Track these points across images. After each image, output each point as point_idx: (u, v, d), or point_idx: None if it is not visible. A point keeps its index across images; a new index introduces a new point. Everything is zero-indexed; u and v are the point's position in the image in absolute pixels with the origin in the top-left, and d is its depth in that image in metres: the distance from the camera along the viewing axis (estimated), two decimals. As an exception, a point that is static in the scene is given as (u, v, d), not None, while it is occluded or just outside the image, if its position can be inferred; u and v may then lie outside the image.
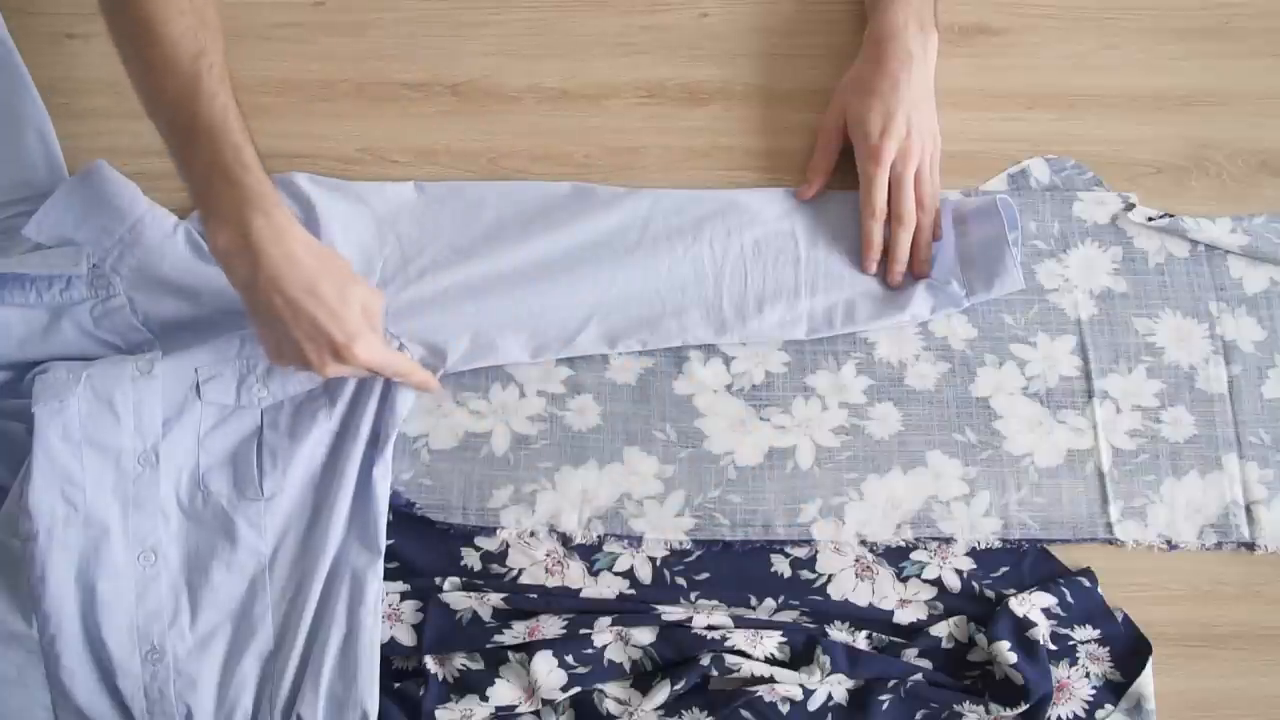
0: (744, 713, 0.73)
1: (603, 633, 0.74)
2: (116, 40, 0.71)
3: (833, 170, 0.85)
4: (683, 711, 0.73)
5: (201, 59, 0.68)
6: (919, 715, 0.74)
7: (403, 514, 0.78)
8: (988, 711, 0.74)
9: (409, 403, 0.79)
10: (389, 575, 0.76)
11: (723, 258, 0.83)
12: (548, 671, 0.72)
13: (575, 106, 0.89)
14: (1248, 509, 0.80)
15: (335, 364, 0.71)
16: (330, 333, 0.69)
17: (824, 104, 0.87)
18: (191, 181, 0.70)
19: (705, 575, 0.78)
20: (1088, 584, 0.78)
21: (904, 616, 0.77)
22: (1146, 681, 0.75)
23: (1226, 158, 0.89)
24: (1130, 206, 0.86)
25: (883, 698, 0.73)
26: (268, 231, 0.67)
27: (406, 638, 0.75)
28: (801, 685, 0.73)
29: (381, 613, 0.75)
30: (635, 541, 0.79)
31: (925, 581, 0.78)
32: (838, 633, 0.76)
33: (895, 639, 0.76)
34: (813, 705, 0.74)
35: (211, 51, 0.69)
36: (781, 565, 0.79)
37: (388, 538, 0.76)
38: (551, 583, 0.77)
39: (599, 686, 0.74)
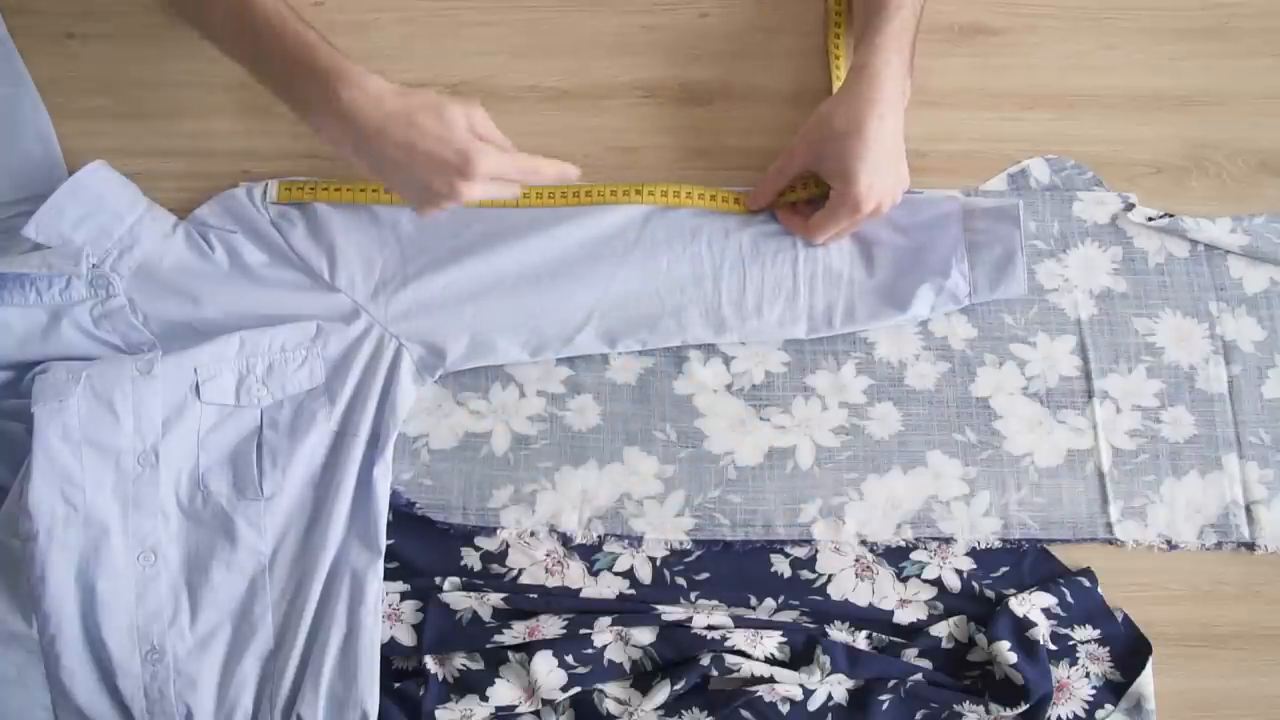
0: (744, 713, 0.73)
1: (603, 633, 0.74)
2: None
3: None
4: (683, 711, 0.73)
5: None
6: (919, 715, 0.74)
7: (403, 514, 0.78)
8: (988, 711, 0.74)
9: (409, 403, 0.80)
10: (389, 575, 0.76)
11: (721, 257, 0.83)
12: (548, 671, 0.72)
13: (575, 106, 0.89)
14: (1248, 509, 0.80)
15: (467, 184, 0.72)
16: (445, 156, 0.71)
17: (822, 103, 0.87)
18: (277, 89, 0.74)
19: (705, 575, 0.78)
20: (1088, 584, 0.78)
21: (904, 616, 0.77)
22: (1146, 681, 0.75)
23: (1226, 158, 0.89)
24: (1130, 206, 0.86)
25: (883, 698, 0.73)
26: (356, 97, 0.70)
27: (406, 638, 0.75)
28: (801, 685, 0.73)
29: (381, 613, 0.74)
30: (635, 541, 0.79)
31: (925, 581, 0.78)
32: (838, 633, 0.76)
33: (895, 639, 0.76)
34: (813, 705, 0.74)
35: None
36: (781, 565, 0.79)
37: (388, 538, 0.76)
38: (551, 583, 0.77)
39: (599, 686, 0.74)
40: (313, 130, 0.73)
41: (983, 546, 0.79)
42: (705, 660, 0.73)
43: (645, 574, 0.78)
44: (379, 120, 0.70)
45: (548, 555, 0.78)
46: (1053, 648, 0.76)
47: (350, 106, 0.70)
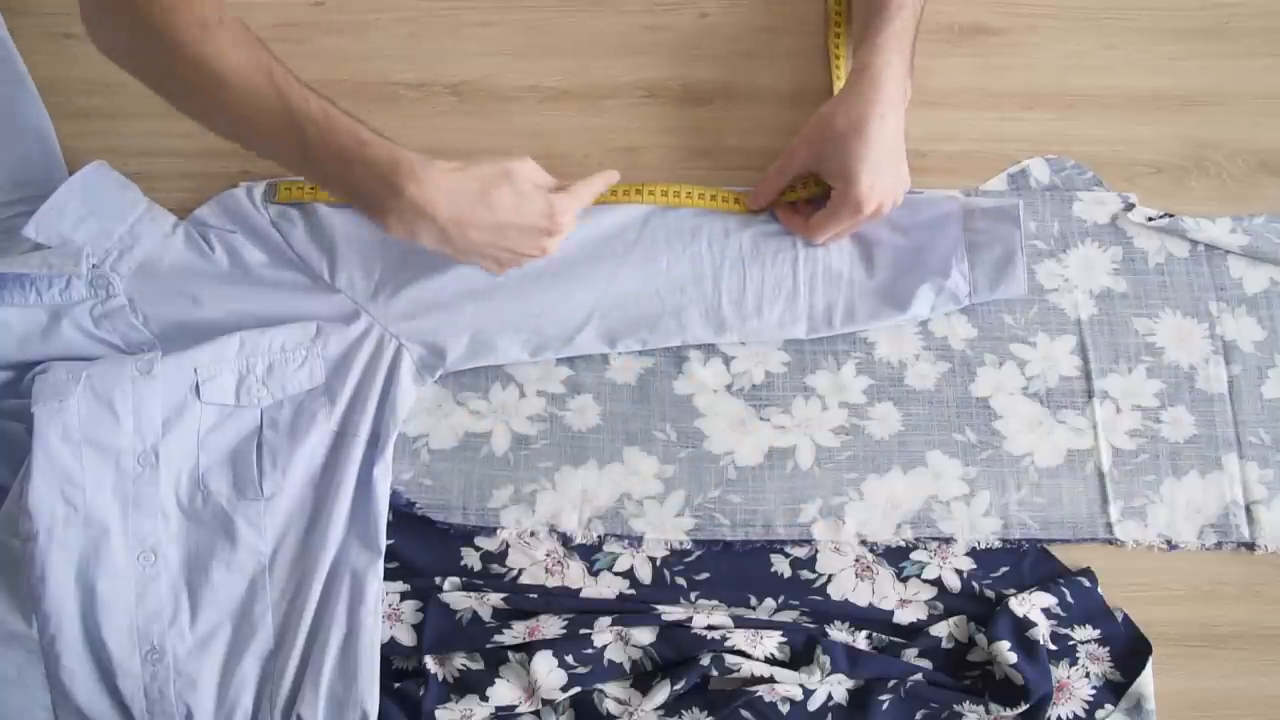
0: (744, 713, 0.73)
1: (603, 633, 0.74)
2: (188, 106, 0.70)
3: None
4: (683, 711, 0.73)
5: (272, 72, 0.68)
6: (919, 715, 0.74)
7: (403, 514, 0.78)
8: (988, 711, 0.74)
9: (409, 403, 0.80)
10: (389, 575, 0.76)
11: (721, 257, 0.83)
12: (548, 671, 0.72)
13: (575, 106, 0.89)
14: (1248, 509, 0.80)
15: (554, 240, 0.74)
16: (532, 223, 0.73)
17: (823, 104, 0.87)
18: (333, 187, 0.71)
19: (705, 575, 0.78)
20: (1088, 584, 0.78)
21: (904, 616, 0.77)
22: (1146, 681, 0.75)
23: (1226, 158, 0.89)
24: (1130, 206, 0.86)
25: (883, 698, 0.73)
26: (422, 190, 0.69)
27: (406, 638, 0.75)
28: (801, 685, 0.73)
29: (381, 613, 0.74)
30: (635, 541, 0.79)
31: (925, 581, 0.78)
32: (838, 633, 0.76)
33: (895, 639, 0.76)
34: (813, 705, 0.74)
35: (274, 64, 0.68)
36: (781, 565, 0.79)
37: (388, 538, 0.76)
38: (551, 583, 0.77)
39: (599, 686, 0.74)
40: (382, 228, 0.71)
41: (983, 546, 0.79)
42: (705, 660, 0.73)
43: (645, 574, 0.78)
44: (453, 210, 0.70)
45: (548, 555, 0.78)
46: (1053, 648, 0.76)
47: (419, 202, 0.69)
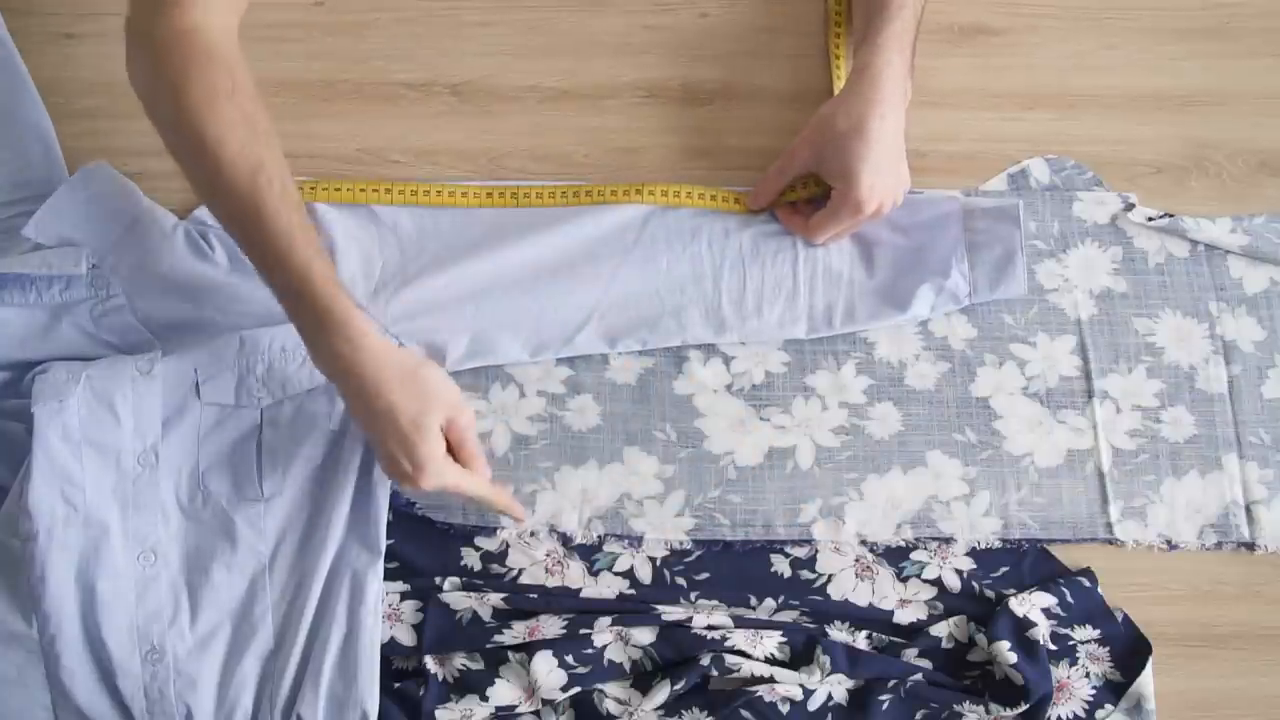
0: (744, 713, 0.73)
1: (603, 633, 0.74)
2: (175, 155, 0.70)
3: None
4: (683, 711, 0.73)
5: (260, 175, 0.67)
6: (919, 715, 0.74)
7: (403, 514, 0.78)
8: (988, 711, 0.74)
9: None
10: (389, 575, 0.76)
11: (721, 257, 0.83)
12: (548, 671, 0.72)
13: (575, 106, 0.89)
14: (1248, 509, 0.80)
15: (416, 486, 0.70)
16: (400, 461, 0.70)
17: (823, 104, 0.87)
18: (275, 296, 0.70)
19: (705, 575, 0.78)
20: (1088, 584, 0.78)
21: (904, 616, 0.77)
22: (1146, 681, 0.75)
23: (1226, 158, 0.89)
24: (1130, 206, 0.86)
25: (883, 698, 0.73)
26: (351, 357, 0.68)
27: (406, 638, 0.75)
28: (801, 685, 0.73)
29: (382, 613, 0.74)
30: (635, 541, 0.79)
31: (925, 581, 0.78)
32: (838, 633, 0.76)
33: (895, 639, 0.76)
34: (813, 705, 0.74)
35: (269, 164, 0.67)
36: (781, 565, 0.79)
37: (388, 537, 0.76)
38: (551, 583, 0.77)
39: (599, 686, 0.74)
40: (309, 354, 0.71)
41: (983, 546, 0.79)
42: (705, 660, 0.73)
43: (645, 574, 0.78)
44: (364, 391, 0.69)
45: (548, 555, 0.78)
46: (1053, 648, 0.76)
47: (344, 364, 0.68)
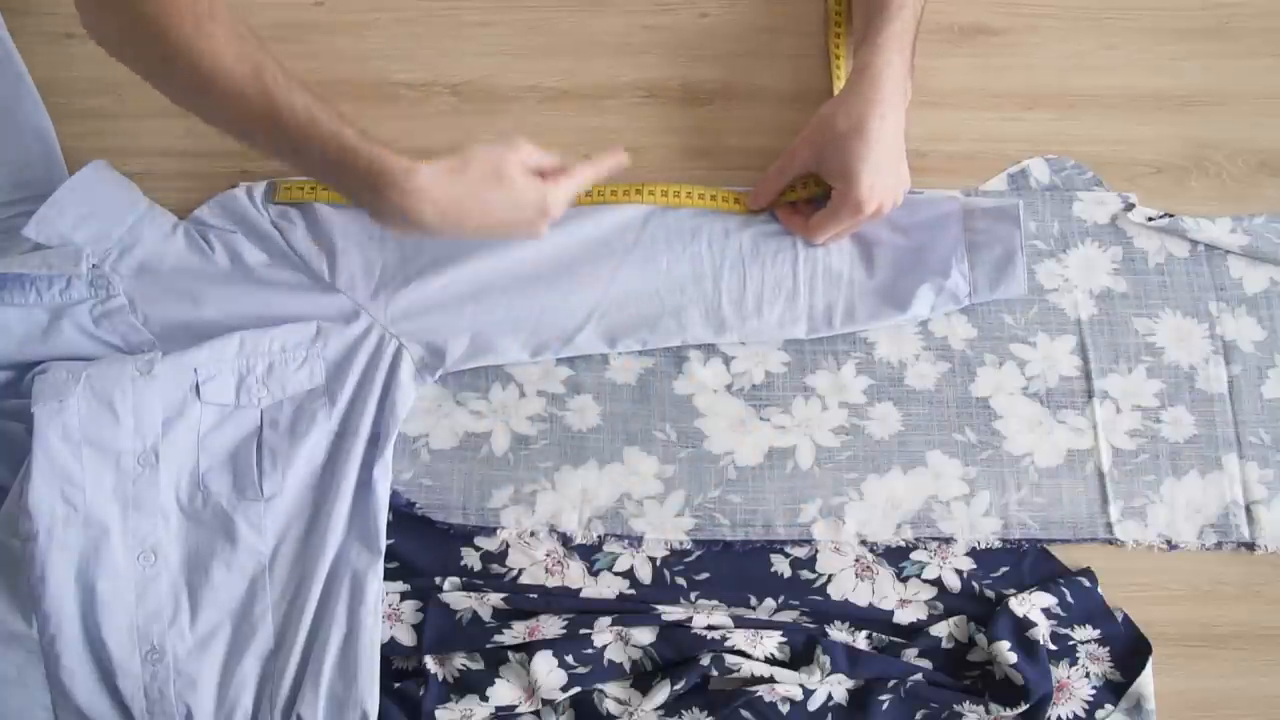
0: (744, 713, 0.73)
1: (603, 633, 0.74)
2: (179, 98, 0.71)
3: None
4: (683, 711, 0.73)
5: (264, 75, 0.67)
6: (919, 715, 0.74)
7: (403, 514, 0.78)
8: (988, 711, 0.74)
9: (409, 403, 0.79)
10: (389, 575, 0.76)
11: (721, 257, 0.83)
12: (548, 671, 0.72)
13: (575, 106, 0.89)
14: (1248, 509, 0.80)
15: (548, 220, 0.75)
16: (524, 217, 0.73)
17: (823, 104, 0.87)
18: (326, 181, 0.74)
19: (705, 575, 0.78)
20: (1088, 584, 0.78)
21: (904, 616, 0.77)
22: (1146, 681, 0.75)
23: (1226, 158, 0.89)
24: (1130, 207, 0.86)
25: (883, 698, 0.73)
26: (407, 200, 0.69)
27: (406, 638, 0.75)
28: (801, 685, 0.73)
29: (381, 613, 0.75)
30: (635, 541, 0.79)
31: (925, 581, 0.78)
32: (838, 633, 0.76)
33: (895, 639, 0.76)
34: (813, 705, 0.74)
35: (268, 63, 0.68)
36: (781, 565, 0.79)
37: (388, 537, 0.76)
38: (551, 583, 0.77)
39: (599, 686, 0.74)
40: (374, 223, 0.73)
41: (983, 546, 0.79)
42: (705, 660, 0.73)
43: (645, 574, 0.78)
44: (440, 215, 0.71)
45: (548, 555, 0.78)
46: (1053, 648, 0.76)
47: (405, 210, 0.70)
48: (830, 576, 0.78)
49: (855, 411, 0.82)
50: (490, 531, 0.78)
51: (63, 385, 0.73)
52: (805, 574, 0.78)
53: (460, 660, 0.74)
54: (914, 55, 0.80)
